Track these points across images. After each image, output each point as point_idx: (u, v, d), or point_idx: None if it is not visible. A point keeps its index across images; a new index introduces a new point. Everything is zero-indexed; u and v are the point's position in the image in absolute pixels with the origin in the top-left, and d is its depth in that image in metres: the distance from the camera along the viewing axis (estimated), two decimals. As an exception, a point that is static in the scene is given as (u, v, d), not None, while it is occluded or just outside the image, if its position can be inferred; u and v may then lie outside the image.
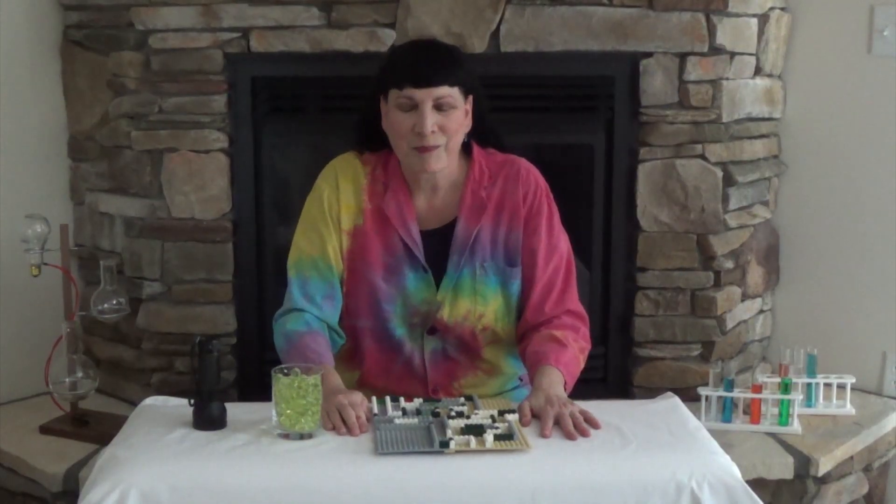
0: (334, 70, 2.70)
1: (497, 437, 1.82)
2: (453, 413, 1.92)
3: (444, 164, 2.11)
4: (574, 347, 2.13)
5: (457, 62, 2.13)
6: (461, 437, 1.82)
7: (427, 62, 2.09)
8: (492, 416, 1.92)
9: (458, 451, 1.78)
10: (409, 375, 2.20)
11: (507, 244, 2.18)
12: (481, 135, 2.21)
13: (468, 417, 1.91)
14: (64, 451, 2.59)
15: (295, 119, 2.79)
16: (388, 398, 1.99)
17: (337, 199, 2.16)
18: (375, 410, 1.94)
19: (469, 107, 2.13)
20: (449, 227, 2.17)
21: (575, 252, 2.53)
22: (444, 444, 1.79)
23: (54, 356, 2.65)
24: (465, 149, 2.20)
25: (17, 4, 2.85)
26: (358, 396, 1.94)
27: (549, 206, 2.20)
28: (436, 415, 1.92)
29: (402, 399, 2.00)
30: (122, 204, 2.84)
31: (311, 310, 2.12)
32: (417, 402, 1.99)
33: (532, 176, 2.21)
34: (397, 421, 1.90)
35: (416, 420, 1.90)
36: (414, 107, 2.06)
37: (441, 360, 2.21)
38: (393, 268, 2.15)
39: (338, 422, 1.87)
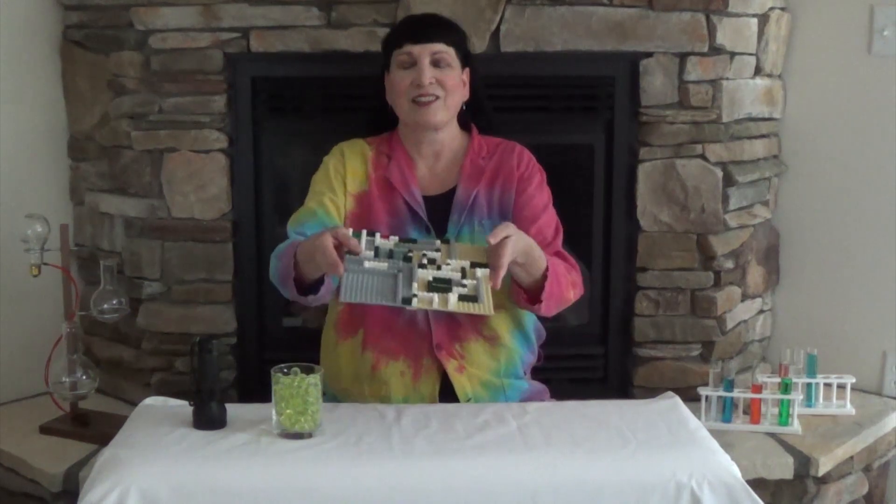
0: (334, 70, 2.70)
1: (462, 298, 1.83)
2: (425, 260, 1.94)
3: (443, 118, 2.25)
4: (563, 267, 2.19)
5: (454, 27, 2.31)
6: (426, 293, 1.83)
7: (425, 22, 2.30)
8: (462, 269, 1.93)
9: (420, 307, 1.82)
10: (413, 332, 2.22)
11: (501, 204, 2.28)
12: (475, 111, 2.34)
13: (439, 268, 1.92)
14: (64, 451, 2.59)
15: (295, 119, 2.79)
16: (364, 231, 2.00)
17: (343, 165, 2.30)
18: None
19: (466, 78, 2.29)
20: (449, 193, 2.29)
21: (575, 252, 2.53)
22: (407, 301, 1.81)
23: (54, 356, 2.65)
24: (465, 127, 2.34)
25: (17, 4, 2.85)
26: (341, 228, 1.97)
27: (540, 177, 2.33)
28: (407, 259, 1.93)
29: (377, 234, 2.01)
30: (122, 204, 2.84)
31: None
32: (393, 240, 2.02)
33: (526, 153, 2.35)
34: (367, 264, 1.89)
35: (385, 265, 1.90)
36: (413, 63, 2.22)
37: (445, 317, 2.23)
38: (397, 228, 2.23)
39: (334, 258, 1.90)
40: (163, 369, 2.83)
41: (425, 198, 2.27)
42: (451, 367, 2.20)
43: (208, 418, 1.89)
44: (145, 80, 2.72)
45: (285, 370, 1.86)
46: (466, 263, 1.95)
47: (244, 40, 2.68)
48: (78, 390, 2.67)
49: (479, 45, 2.66)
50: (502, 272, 1.95)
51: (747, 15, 2.79)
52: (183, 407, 1.97)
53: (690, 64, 2.73)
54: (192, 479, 1.73)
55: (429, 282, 1.87)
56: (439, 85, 2.22)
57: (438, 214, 2.26)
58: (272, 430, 1.86)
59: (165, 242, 2.79)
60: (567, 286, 2.20)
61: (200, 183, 2.75)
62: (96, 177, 2.90)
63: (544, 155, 2.75)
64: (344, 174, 2.28)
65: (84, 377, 2.67)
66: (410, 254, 1.96)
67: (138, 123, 2.75)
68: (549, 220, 2.29)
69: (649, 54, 2.73)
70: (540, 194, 2.30)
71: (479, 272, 1.92)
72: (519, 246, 2.01)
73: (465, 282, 1.89)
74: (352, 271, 1.86)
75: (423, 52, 2.21)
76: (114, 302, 2.66)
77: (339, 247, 1.93)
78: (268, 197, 2.79)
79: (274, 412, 1.86)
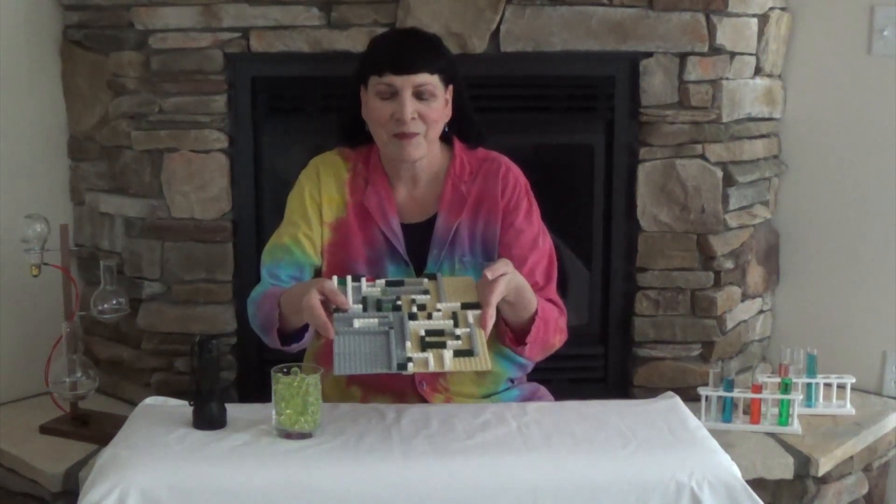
0: (334, 70, 2.69)
1: (457, 353, 1.79)
2: (415, 308, 1.89)
3: (424, 152, 2.11)
4: (556, 313, 2.11)
5: (438, 50, 2.13)
6: (420, 354, 1.79)
7: (408, 49, 2.10)
8: (454, 314, 1.88)
9: (418, 370, 1.78)
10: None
11: (484, 239, 2.16)
12: (461, 128, 2.20)
13: (430, 315, 1.87)
14: (64, 451, 2.59)
15: (295, 119, 2.79)
16: (349, 277, 1.95)
17: (319, 192, 2.17)
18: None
19: (449, 96, 2.14)
20: (430, 222, 2.16)
21: (575, 252, 2.54)
22: (402, 367, 1.77)
23: (54, 356, 2.65)
24: (447, 142, 2.20)
25: (17, 4, 2.85)
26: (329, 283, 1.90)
27: (528, 203, 2.19)
28: (397, 308, 1.89)
29: (363, 280, 1.96)
30: (122, 204, 2.84)
31: (275, 283, 2.13)
32: (379, 284, 1.96)
33: (511, 173, 2.19)
34: (357, 323, 1.84)
35: (375, 321, 1.85)
36: (394, 94, 2.05)
37: None
38: (374, 261, 2.14)
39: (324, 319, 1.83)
40: (163, 369, 2.83)
41: (405, 226, 2.15)
42: (437, 400, 2.14)
43: (208, 418, 1.89)
44: (145, 80, 2.73)
45: (285, 370, 1.86)
46: (457, 305, 1.91)
47: (244, 40, 2.68)
48: (78, 390, 2.67)
49: (479, 45, 2.66)
50: (491, 310, 1.85)
51: (747, 15, 2.79)
52: (183, 407, 1.96)
53: (690, 64, 2.73)
54: (192, 479, 1.73)
55: (421, 337, 1.83)
56: (421, 120, 2.06)
57: (418, 246, 2.14)
58: (272, 430, 1.86)
59: (165, 242, 2.79)
60: (554, 331, 2.11)
61: (200, 183, 2.75)
62: (96, 177, 2.90)
63: (544, 155, 2.76)
64: (319, 202, 2.16)
65: (84, 377, 2.67)
66: (399, 301, 1.91)
67: (138, 123, 2.75)
68: (540, 258, 2.15)
69: (649, 54, 2.73)
70: (528, 226, 2.16)
71: (471, 316, 1.87)
72: (512, 284, 1.92)
73: (458, 332, 1.84)
74: (342, 333, 1.82)
75: (406, 84, 2.03)
76: (114, 302, 2.66)
77: (326, 301, 1.86)
78: (268, 197, 2.78)
79: (274, 412, 1.86)
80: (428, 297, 1.94)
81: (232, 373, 2.81)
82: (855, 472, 2.76)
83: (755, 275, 2.99)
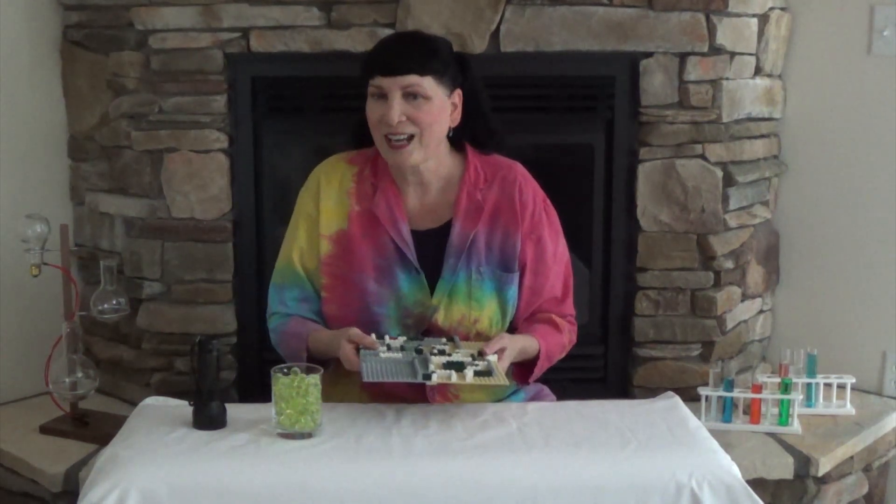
0: (334, 70, 2.70)
1: (477, 373, 1.90)
2: (435, 351, 2.00)
3: (419, 158, 2.08)
4: (564, 337, 2.20)
5: (434, 53, 2.09)
6: (443, 371, 1.90)
7: (397, 51, 2.09)
8: (472, 356, 1.99)
9: (440, 383, 1.90)
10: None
11: (503, 250, 2.15)
12: (474, 132, 2.19)
13: (449, 355, 1.98)
14: (64, 451, 2.59)
15: (295, 119, 2.79)
16: (373, 334, 2.04)
17: (316, 205, 2.16)
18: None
19: (458, 101, 2.12)
20: (443, 229, 2.14)
21: (575, 252, 2.54)
22: (427, 377, 1.87)
23: (54, 356, 2.65)
24: (459, 147, 2.19)
25: (17, 4, 2.85)
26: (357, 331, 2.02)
27: (548, 216, 2.20)
28: (419, 352, 1.99)
29: (386, 336, 2.06)
30: (122, 204, 2.84)
31: (285, 311, 2.19)
32: (401, 340, 2.05)
33: (530, 185, 2.19)
34: (382, 355, 1.96)
35: (399, 355, 1.97)
36: (383, 96, 2.05)
37: None
38: (384, 269, 2.12)
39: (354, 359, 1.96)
40: (163, 369, 2.83)
41: (415, 233, 2.13)
42: None
43: (208, 418, 1.89)
44: (145, 80, 2.73)
45: (285, 370, 1.86)
46: (475, 351, 2.01)
47: (244, 40, 2.68)
48: (78, 390, 2.67)
49: (479, 45, 2.66)
50: (506, 363, 2.01)
51: (747, 15, 2.79)
52: (183, 407, 1.97)
53: (690, 64, 2.73)
54: (192, 479, 1.73)
55: (443, 364, 1.94)
56: (411, 122, 2.03)
57: (430, 254, 2.13)
58: (272, 430, 1.86)
59: (165, 242, 2.79)
60: (558, 355, 2.20)
61: (200, 183, 2.75)
62: (96, 177, 2.90)
63: (544, 155, 2.76)
64: (317, 217, 2.15)
65: (84, 377, 2.67)
66: (421, 347, 2.01)
67: (138, 123, 2.75)
68: (559, 270, 2.21)
69: (649, 54, 2.73)
70: (552, 239, 2.19)
71: (489, 356, 1.99)
72: (515, 350, 2.05)
73: (476, 362, 1.96)
74: (370, 360, 1.94)
75: (393, 85, 2.02)
76: (114, 302, 2.66)
77: (355, 345, 1.99)
78: (268, 197, 2.79)
79: (274, 412, 1.86)
80: (447, 346, 2.05)
81: (232, 373, 2.81)
82: (855, 472, 2.76)
83: (755, 275, 2.99)
